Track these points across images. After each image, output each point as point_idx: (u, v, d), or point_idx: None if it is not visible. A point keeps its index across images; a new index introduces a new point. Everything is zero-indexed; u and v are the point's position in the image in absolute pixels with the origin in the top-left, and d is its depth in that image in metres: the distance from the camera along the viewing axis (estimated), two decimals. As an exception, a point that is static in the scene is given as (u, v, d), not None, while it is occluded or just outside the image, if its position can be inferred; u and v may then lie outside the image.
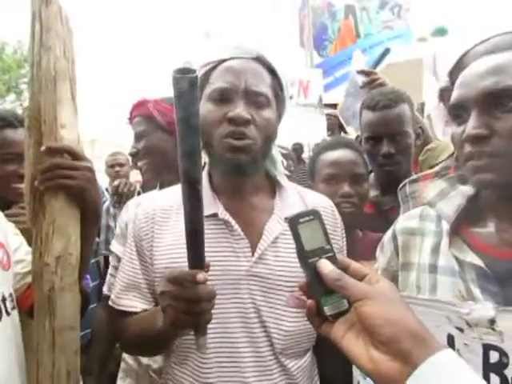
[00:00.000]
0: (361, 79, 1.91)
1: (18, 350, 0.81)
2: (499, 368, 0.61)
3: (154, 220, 0.89)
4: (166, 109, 1.36)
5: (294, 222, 0.53)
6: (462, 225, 0.72)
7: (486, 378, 0.61)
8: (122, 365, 1.22)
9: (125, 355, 1.22)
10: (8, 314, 0.79)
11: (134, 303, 0.87)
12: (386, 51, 3.05)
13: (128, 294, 0.88)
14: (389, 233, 0.86)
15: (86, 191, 0.83)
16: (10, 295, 0.82)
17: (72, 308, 0.81)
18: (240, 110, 0.81)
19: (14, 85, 12.60)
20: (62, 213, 0.81)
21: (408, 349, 0.43)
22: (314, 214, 0.53)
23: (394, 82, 1.86)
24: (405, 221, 0.83)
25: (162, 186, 1.34)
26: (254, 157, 0.84)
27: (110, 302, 0.91)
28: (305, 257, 0.52)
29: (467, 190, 0.74)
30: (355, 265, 0.52)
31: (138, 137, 1.34)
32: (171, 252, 0.85)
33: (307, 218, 0.53)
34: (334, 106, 4.43)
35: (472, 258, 0.67)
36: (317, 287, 0.52)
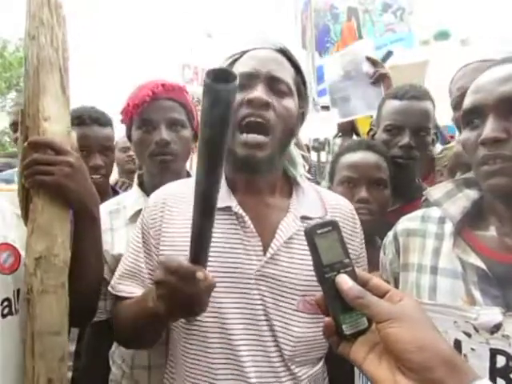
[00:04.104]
0: (367, 67, 1.91)
1: (8, 359, 0.77)
2: (506, 372, 0.60)
3: (163, 208, 0.87)
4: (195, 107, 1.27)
5: (311, 234, 0.50)
6: (465, 227, 0.72)
7: (493, 382, 0.61)
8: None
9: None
10: None
11: (133, 289, 0.86)
12: (389, 54, 3.04)
13: (128, 281, 0.87)
14: (390, 234, 0.86)
15: (65, 188, 0.77)
16: (7, 300, 0.78)
17: (55, 312, 0.76)
18: (259, 92, 0.77)
19: (15, 83, 12.60)
20: (43, 211, 0.77)
21: (441, 378, 0.40)
22: (333, 225, 0.50)
23: (397, 84, 1.87)
24: (406, 222, 0.84)
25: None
26: (269, 153, 0.80)
27: (109, 288, 0.91)
28: (322, 271, 0.49)
29: (472, 193, 0.75)
30: (375, 280, 0.49)
31: (173, 124, 1.18)
32: (178, 241, 0.83)
33: (325, 229, 0.50)
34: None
35: (475, 259, 0.67)
36: (335, 304, 0.49)
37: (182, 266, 0.63)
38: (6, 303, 0.78)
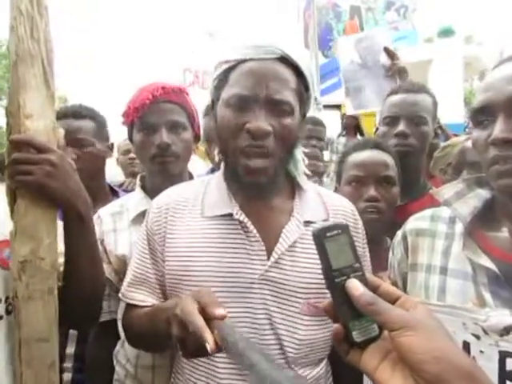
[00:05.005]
0: (384, 58, 1.93)
1: (4, 360, 0.75)
2: (516, 376, 0.60)
3: (167, 213, 0.86)
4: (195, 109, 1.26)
5: (320, 237, 0.48)
6: (476, 228, 0.71)
7: (502, 385, 0.60)
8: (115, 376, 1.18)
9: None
10: None
11: (143, 297, 0.86)
12: (392, 52, 3.02)
13: (138, 288, 0.86)
14: (399, 234, 0.85)
15: (47, 187, 0.74)
16: (10, 298, 0.76)
17: (42, 319, 0.73)
18: (260, 122, 0.76)
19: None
20: (27, 213, 0.72)
21: None
22: (342, 228, 0.48)
23: (400, 82, 1.86)
24: (415, 221, 0.82)
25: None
26: (272, 175, 0.80)
27: (119, 295, 0.90)
28: (332, 276, 0.47)
29: (484, 193, 0.73)
30: (386, 286, 0.47)
31: (173, 126, 1.17)
32: (181, 246, 0.83)
33: (335, 232, 0.48)
34: (338, 107, 4.40)
35: (485, 261, 0.65)
36: (344, 310, 0.46)
37: (199, 330, 0.57)
38: (10, 300, 0.77)
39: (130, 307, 0.90)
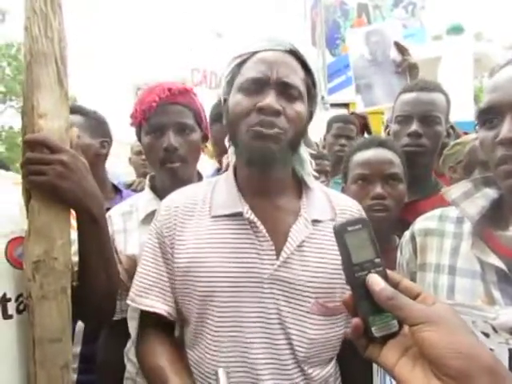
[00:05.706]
0: (394, 53, 1.88)
1: (24, 355, 0.74)
2: (526, 373, 0.59)
3: (176, 216, 0.86)
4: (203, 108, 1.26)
5: (340, 231, 0.48)
6: (484, 227, 0.71)
7: (512, 383, 0.60)
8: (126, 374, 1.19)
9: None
10: (8, 317, 0.74)
11: (155, 303, 0.85)
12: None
13: (149, 293, 0.85)
14: (407, 234, 0.85)
15: (59, 188, 0.74)
16: (22, 295, 0.76)
17: (56, 318, 0.73)
18: (271, 100, 0.77)
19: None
20: (40, 213, 0.73)
21: None
22: (363, 223, 0.49)
23: (409, 81, 1.83)
24: (424, 221, 0.82)
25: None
26: (283, 146, 0.80)
27: (128, 300, 0.89)
28: (352, 270, 0.47)
29: (492, 192, 0.73)
30: (406, 282, 0.47)
31: (181, 129, 1.17)
32: (192, 250, 0.83)
33: (356, 227, 0.48)
34: (346, 105, 4.39)
35: (494, 259, 0.65)
36: (364, 305, 0.46)
37: None
38: (21, 299, 0.76)
39: (145, 333, 0.89)
